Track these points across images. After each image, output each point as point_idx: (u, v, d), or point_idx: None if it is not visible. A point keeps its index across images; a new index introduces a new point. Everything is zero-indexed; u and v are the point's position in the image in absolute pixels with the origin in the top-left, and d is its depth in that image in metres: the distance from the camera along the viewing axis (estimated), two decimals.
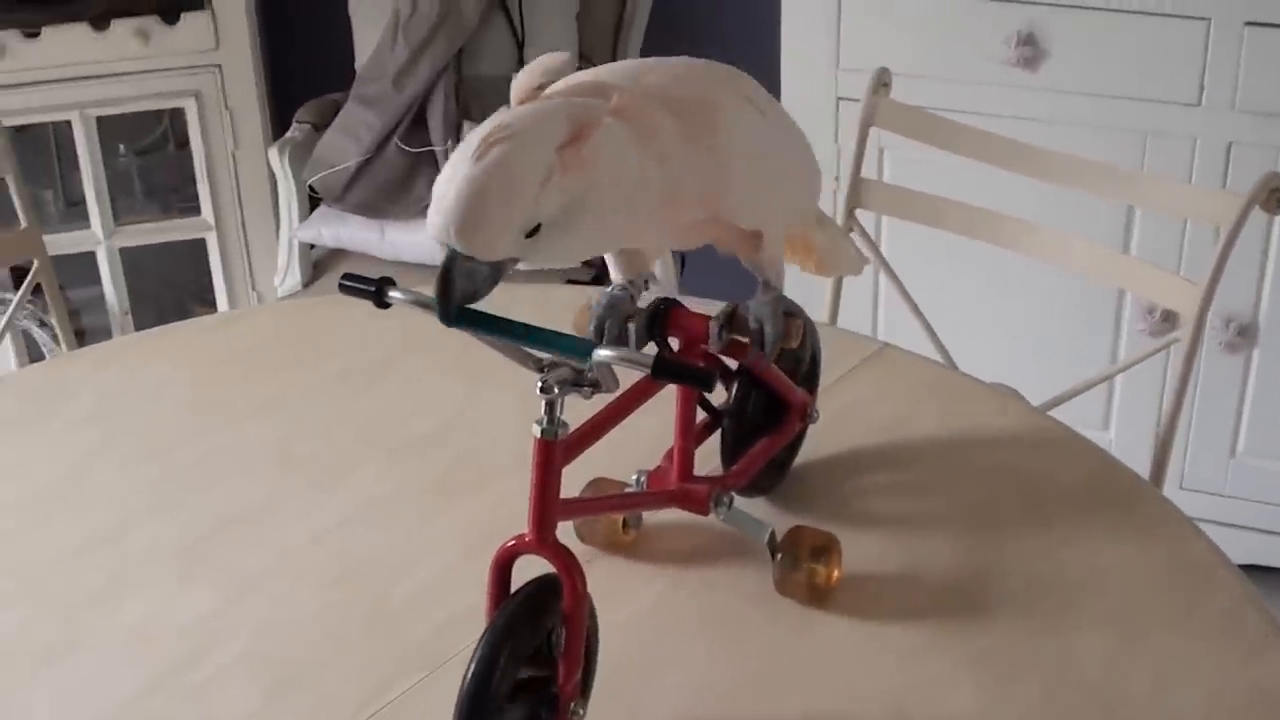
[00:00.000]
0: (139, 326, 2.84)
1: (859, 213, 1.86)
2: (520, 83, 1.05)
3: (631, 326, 1.15)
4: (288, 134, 2.80)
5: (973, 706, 1.10)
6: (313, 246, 2.84)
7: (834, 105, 2.52)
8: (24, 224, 1.76)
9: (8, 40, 2.66)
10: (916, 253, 2.20)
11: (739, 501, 1.22)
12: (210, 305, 3.00)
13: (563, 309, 1.24)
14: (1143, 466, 1.51)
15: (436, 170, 1.62)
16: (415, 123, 2.69)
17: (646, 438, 1.22)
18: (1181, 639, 1.16)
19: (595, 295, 1.17)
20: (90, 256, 2.88)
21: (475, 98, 2.72)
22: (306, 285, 2.81)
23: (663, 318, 1.16)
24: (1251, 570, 2.37)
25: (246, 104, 2.83)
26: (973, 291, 2.47)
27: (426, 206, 0.98)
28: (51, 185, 3.09)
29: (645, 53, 2.97)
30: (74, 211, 3.03)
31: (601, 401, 1.09)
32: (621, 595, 1.19)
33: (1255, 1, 2.21)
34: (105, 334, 2.92)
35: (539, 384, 0.99)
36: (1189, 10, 2.26)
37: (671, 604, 1.21)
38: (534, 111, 0.99)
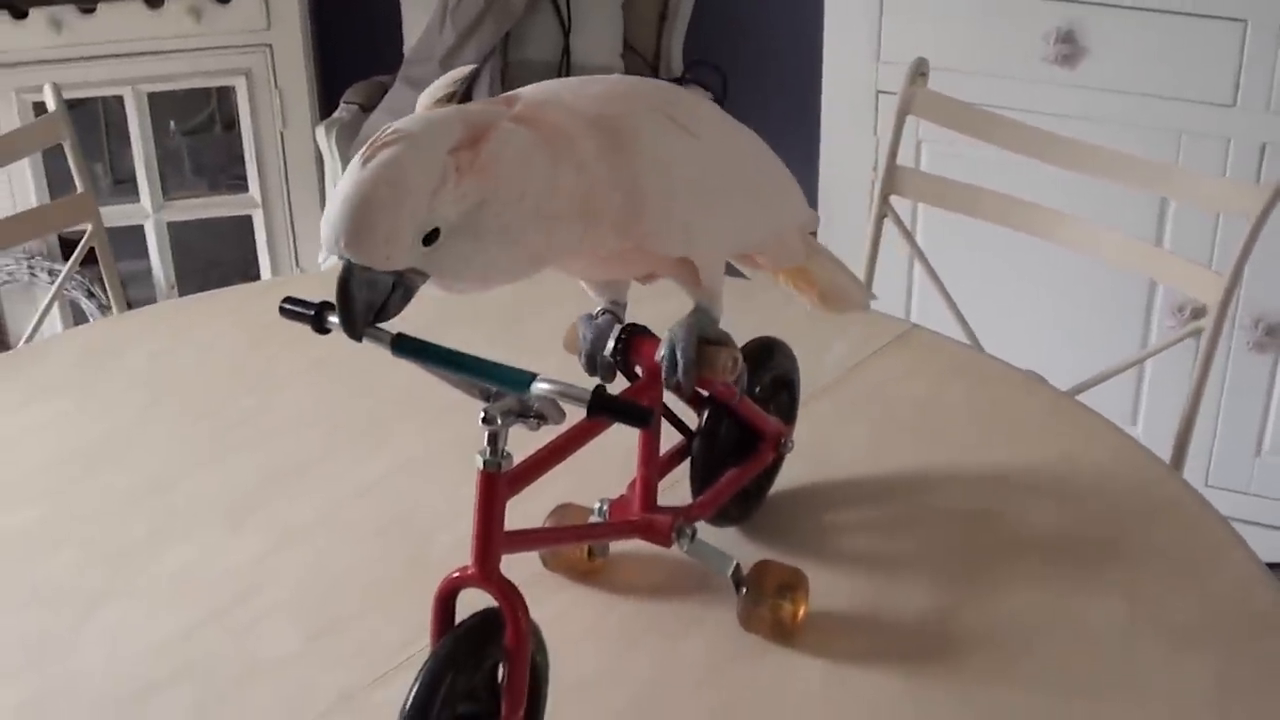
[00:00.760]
0: None
1: (894, 200, 1.89)
2: (423, 99, 1.04)
3: (611, 342, 1.13)
4: (335, 114, 2.85)
5: None
6: None
7: (874, 98, 2.56)
8: (80, 189, 1.81)
9: (64, 15, 2.72)
10: (949, 241, 2.23)
11: (706, 532, 1.20)
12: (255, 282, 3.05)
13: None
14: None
15: None
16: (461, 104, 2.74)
17: (618, 461, 1.19)
18: (1196, 607, 1.19)
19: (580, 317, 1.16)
20: (138, 231, 2.93)
21: (520, 82, 2.75)
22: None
23: (625, 345, 1.13)
24: (1277, 570, 2.40)
25: (295, 84, 2.87)
26: (1003, 280, 2.50)
27: None
28: (101, 160, 3.14)
29: (689, 45, 3.01)
30: (122, 188, 3.08)
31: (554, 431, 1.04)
32: (583, 624, 1.18)
33: None
34: None
35: (481, 414, 0.96)
36: (1226, 11, 2.29)
37: (631, 637, 1.18)
38: (427, 115, 0.96)
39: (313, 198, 2.97)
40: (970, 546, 1.27)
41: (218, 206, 3.00)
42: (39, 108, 2.61)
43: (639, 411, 0.94)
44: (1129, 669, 1.13)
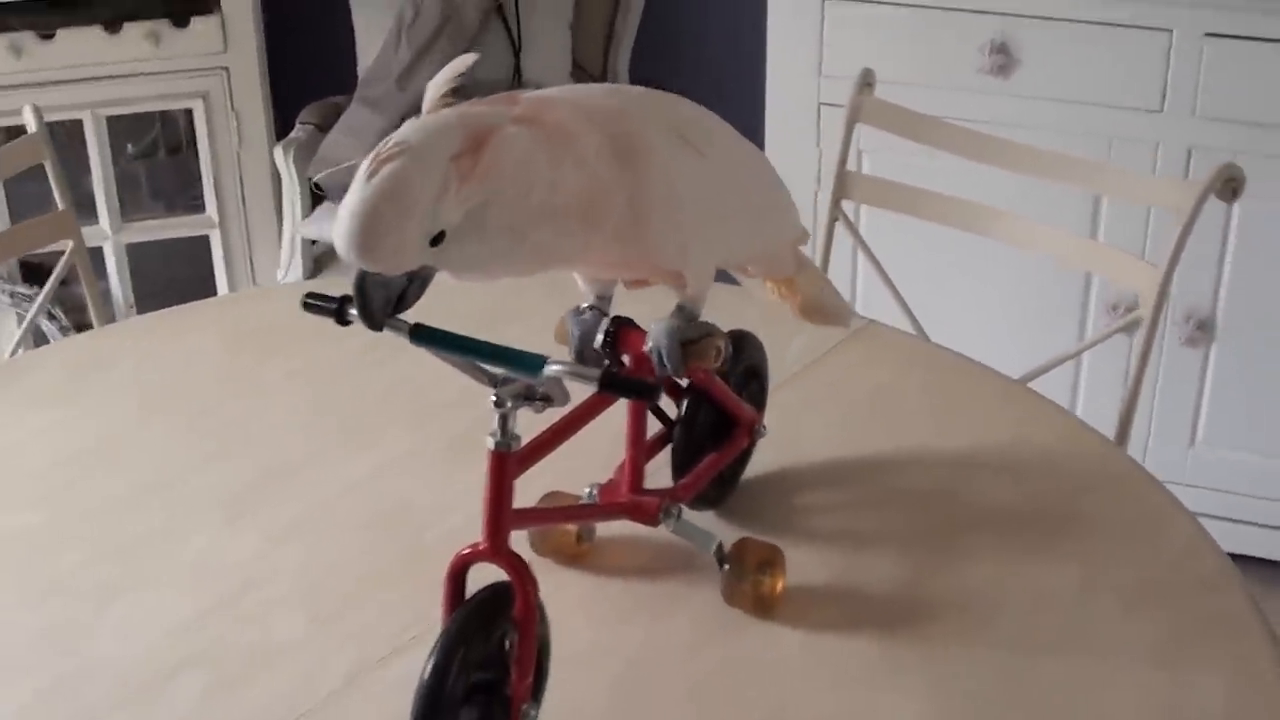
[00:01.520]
0: None
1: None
2: (430, 93, 1.06)
3: (600, 336, 1.18)
4: (292, 134, 2.91)
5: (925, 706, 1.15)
6: (314, 242, 2.94)
7: (816, 111, 2.65)
8: (61, 207, 1.87)
9: (24, 41, 2.77)
10: (894, 243, 2.32)
11: (688, 514, 1.26)
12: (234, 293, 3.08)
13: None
14: None
15: None
16: None
17: (599, 453, 1.25)
18: (1145, 571, 1.28)
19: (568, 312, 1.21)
20: (96, 253, 2.98)
21: (459, 97, 2.83)
22: (308, 280, 2.92)
23: (613, 337, 1.18)
24: None
25: (252, 105, 2.93)
26: (946, 280, 2.59)
27: None
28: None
29: (635, 62, 3.09)
30: (78, 212, 3.11)
31: (555, 415, 1.13)
32: (572, 605, 1.21)
33: (1215, 14, 2.35)
34: None
35: (492, 398, 1.02)
36: (1152, 21, 2.39)
37: (621, 614, 1.24)
38: (428, 124, 0.99)
39: (269, 217, 3.02)
40: (933, 522, 1.35)
41: (175, 227, 3.05)
42: (3, 132, 2.67)
43: (646, 386, 1.02)
44: (1085, 629, 1.21)
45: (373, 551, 1.34)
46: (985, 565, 1.29)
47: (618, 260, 1.15)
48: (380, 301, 1.01)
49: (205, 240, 3.06)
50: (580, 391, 1.05)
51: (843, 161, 1.95)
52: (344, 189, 3.03)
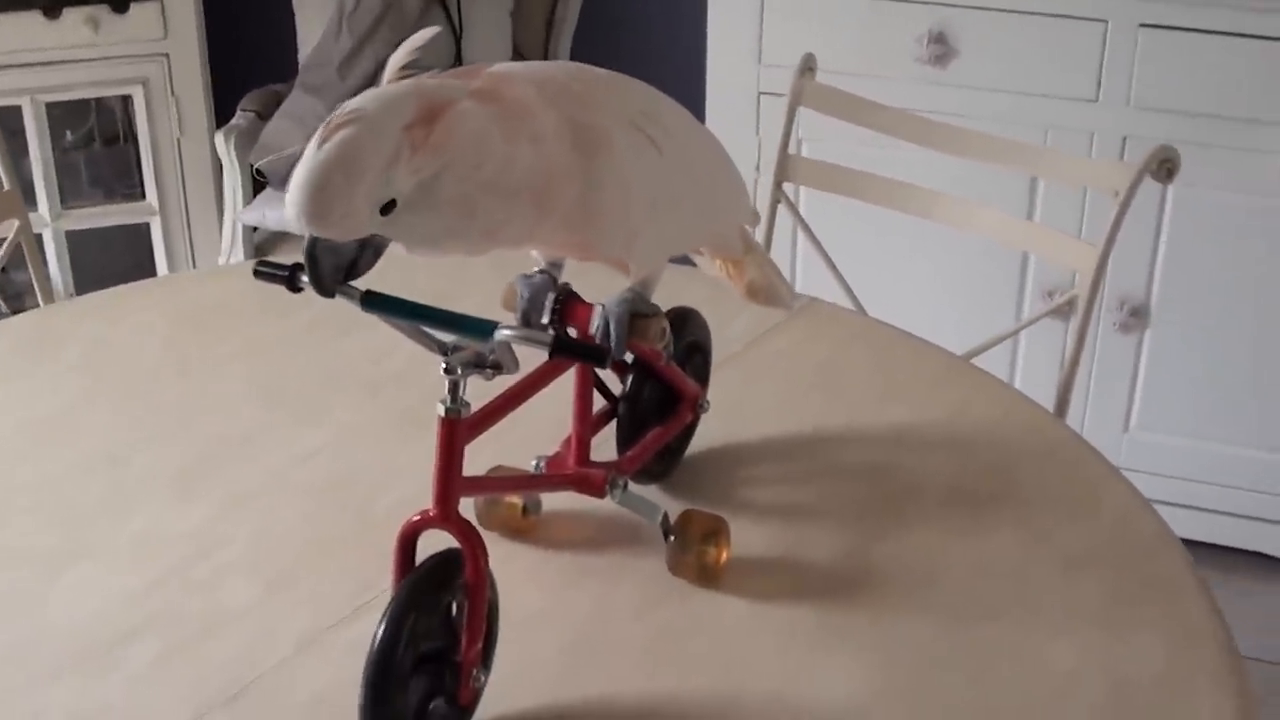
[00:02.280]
0: None
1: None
2: (390, 64, 1.06)
3: (547, 305, 1.18)
4: (233, 121, 2.90)
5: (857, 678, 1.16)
6: (255, 230, 2.94)
7: (756, 99, 2.67)
8: (6, 187, 1.86)
9: None
10: (833, 226, 2.35)
11: (634, 486, 1.27)
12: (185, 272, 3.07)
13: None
14: None
15: None
16: None
17: (545, 427, 1.28)
18: (1084, 537, 1.30)
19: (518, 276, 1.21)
20: (35, 241, 2.96)
21: (417, 70, 2.84)
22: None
23: (562, 309, 1.19)
24: None
25: (192, 92, 2.93)
26: (884, 263, 2.62)
27: None
28: None
29: (576, 50, 3.11)
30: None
31: (504, 384, 1.13)
32: (520, 576, 1.23)
33: (1149, 5, 2.39)
34: None
35: (443, 365, 1.03)
36: (1087, 12, 2.43)
37: (567, 584, 1.26)
38: (383, 93, 1.00)
39: (209, 204, 3.02)
40: (875, 492, 1.37)
41: (116, 214, 3.04)
42: None
43: (597, 351, 1.03)
44: (1025, 594, 1.24)
45: (323, 520, 1.35)
46: (927, 534, 1.31)
47: (565, 244, 1.16)
48: (330, 268, 1.01)
49: (143, 228, 3.05)
50: (530, 361, 1.06)
51: (785, 145, 1.97)
52: (285, 176, 3.05)
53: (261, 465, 1.43)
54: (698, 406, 1.36)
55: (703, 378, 1.38)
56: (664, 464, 1.37)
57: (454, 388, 1.04)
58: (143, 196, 3.03)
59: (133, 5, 2.83)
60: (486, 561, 1.06)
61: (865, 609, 1.22)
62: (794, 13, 2.60)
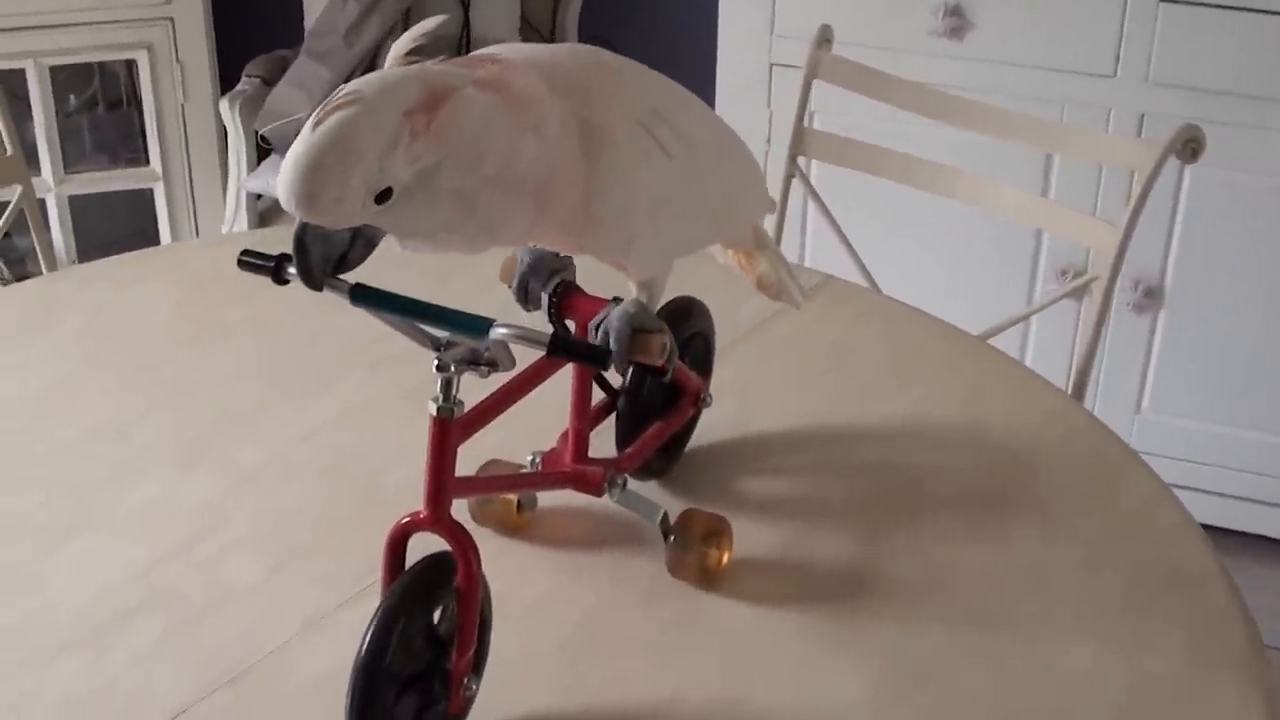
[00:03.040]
0: None
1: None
2: (394, 50, 1.02)
3: (545, 295, 1.15)
4: (238, 87, 2.88)
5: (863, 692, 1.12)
6: (259, 196, 2.92)
7: (768, 71, 2.64)
8: (9, 151, 1.84)
9: None
10: (845, 202, 2.32)
11: (633, 484, 1.23)
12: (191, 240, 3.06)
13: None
14: None
15: None
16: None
17: (542, 421, 1.23)
18: (1104, 525, 1.28)
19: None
20: (38, 206, 2.94)
21: (422, 55, 2.81)
22: (256, 231, 2.89)
23: (560, 300, 1.16)
24: None
25: (197, 57, 2.90)
26: (896, 241, 2.59)
27: None
28: None
29: (584, 20, 3.08)
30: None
31: (499, 381, 1.08)
32: (515, 576, 1.20)
33: None
34: None
35: (435, 362, 0.99)
36: None
37: (563, 584, 1.22)
38: (385, 76, 0.95)
39: (213, 170, 2.99)
40: (886, 487, 1.34)
41: (120, 180, 3.02)
42: None
43: (597, 353, 0.98)
44: (1044, 581, 1.21)
45: (330, 498, 1.32)
46: (943, 524, 1.28)
47: (563, 243, 1.13)
48: (319, 257, 0.96)
49: (146, 194, 3.02)
50: (526, 355, 1.02)
51: (800, 118, 1.94)
52: (291, 142, 3.04)
53: (266, 441, 1.40)
54: (700, 400, 1.32)
55: (705, 370, 1.34)
56: (665, 460, 1.33)
57: (446, 386, 1.00)
58: (146, 162, 3.00)
59: None
60: (479, 565, 1.02)
61: (874, 611, 1.19)
62: None
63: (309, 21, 2.96)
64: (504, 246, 1.08)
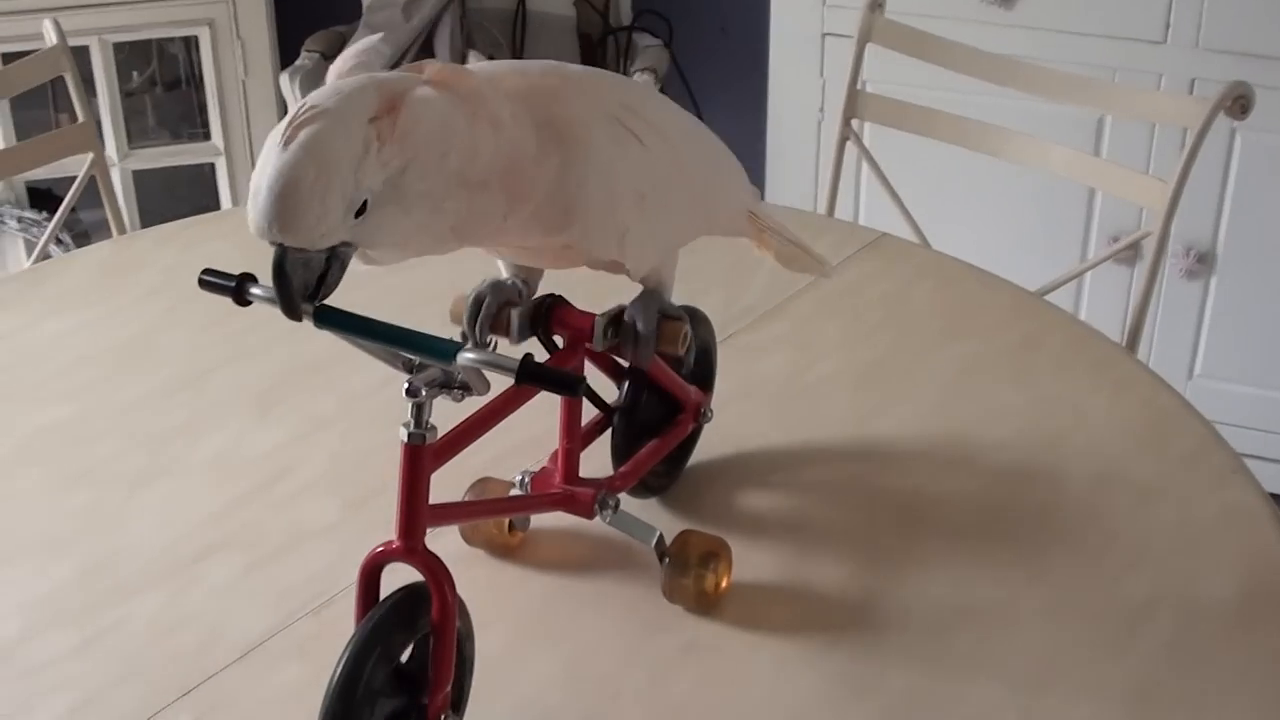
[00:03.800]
0: None
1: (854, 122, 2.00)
2: (334, 69, 0.98)
3: (514, 313, 1.11)
4: (298, 62, 2.92)
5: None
6: None
7: (820, 40, 2.67)
8: (81, 118, 1.89)
9: None
10: (897, 166, 2.35)
11: (627, 504, 1.17)
12: None
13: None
14: None
15: None
16: (423, 50, 2.83)
17: (539, 433, 1.19)
18: (1157, 470, 1.31)
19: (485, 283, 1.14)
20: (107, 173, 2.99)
21: (479, 29, 2.85)
22: None
23: (548, 313, 1.12)
24: None
25: (257, 33, 2.94)
26: (947, 204, 2.61)
27: None
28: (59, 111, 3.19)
29: None
30: None
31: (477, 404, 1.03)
32: (504, 599, 1.17)
33: None
34: None
35: (405, 386, 0.95)
36: None
37: (555, 608, 1.17)
38: (340, 87, 0.92)
39: None
40: (936, 434, 1.37)
41: (182, 154, 3.07)
42: (5, 58, 2.68)
43: (568, 379, 0.92)
44: (1097, 526, 1.24)
45: (398, 444, 1.35)
46: (995, 472, 1.31)
47: (551, 248, 1.09)
48: (301, 285, 0.92)
49: (208, 169, 3.07)
50: (501, 378, 0.95)
51: (854, 80, 1.97)
52: None
53: (339, 389, 1.44)
54: (700, 416, 1.27)
55: (706, 384, 1.29)
56: (662, 478, 1.27)
57: (417, 411, 0.96)
58: (207, 138, 3.05)
59: None
60: (455, 597, 0.98)
61: (885, 641, 1.12)
62: None
63: None
64: (483, 245, 1.07)
